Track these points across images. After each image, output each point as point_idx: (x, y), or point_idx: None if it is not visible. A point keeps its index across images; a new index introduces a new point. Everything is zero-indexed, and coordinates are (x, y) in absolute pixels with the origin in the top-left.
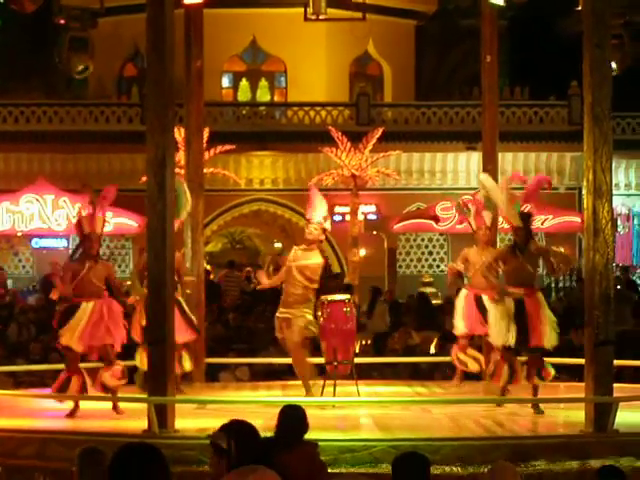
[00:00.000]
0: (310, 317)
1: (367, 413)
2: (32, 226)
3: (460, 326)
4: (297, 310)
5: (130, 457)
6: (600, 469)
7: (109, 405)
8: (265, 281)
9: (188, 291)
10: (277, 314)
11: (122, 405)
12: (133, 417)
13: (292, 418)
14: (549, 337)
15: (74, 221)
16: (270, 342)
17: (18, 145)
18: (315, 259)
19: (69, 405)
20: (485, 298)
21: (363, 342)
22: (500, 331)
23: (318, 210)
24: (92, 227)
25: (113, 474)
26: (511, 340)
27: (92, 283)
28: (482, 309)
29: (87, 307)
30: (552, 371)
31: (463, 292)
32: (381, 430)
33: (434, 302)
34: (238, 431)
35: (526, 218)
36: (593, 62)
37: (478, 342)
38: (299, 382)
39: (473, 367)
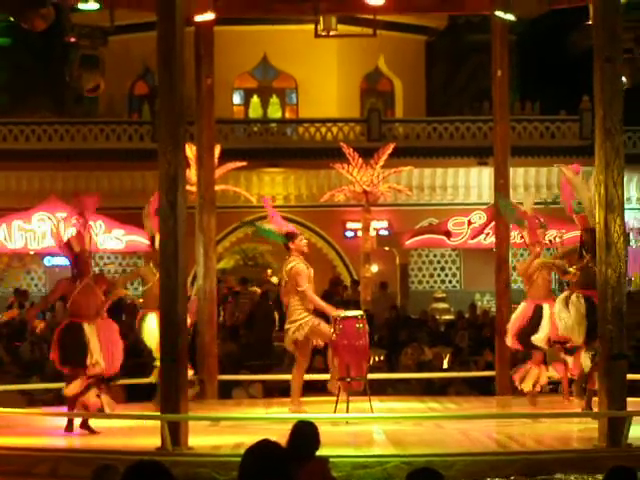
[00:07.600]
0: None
1: (380, 429)
2: (44, 244)
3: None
4: None
5: (140, 474)
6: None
7: (123, 423)
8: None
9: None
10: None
11: (138, 423)
12: (147, 434)
13: (304, 434)
14: None
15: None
16: (283, 358)
17: (30, 163)
18: None
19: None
20: (546, 306)
21: (376, 358)
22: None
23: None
24: (82, 245)
25: None
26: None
27: (89, 302)
28: (536, 320)
29: (90, 329)
30: None
31: (522, 304)
32: (394, 446)
33: (446, 318)
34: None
35: None
36: (604, 76)
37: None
38: (312, 398)
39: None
